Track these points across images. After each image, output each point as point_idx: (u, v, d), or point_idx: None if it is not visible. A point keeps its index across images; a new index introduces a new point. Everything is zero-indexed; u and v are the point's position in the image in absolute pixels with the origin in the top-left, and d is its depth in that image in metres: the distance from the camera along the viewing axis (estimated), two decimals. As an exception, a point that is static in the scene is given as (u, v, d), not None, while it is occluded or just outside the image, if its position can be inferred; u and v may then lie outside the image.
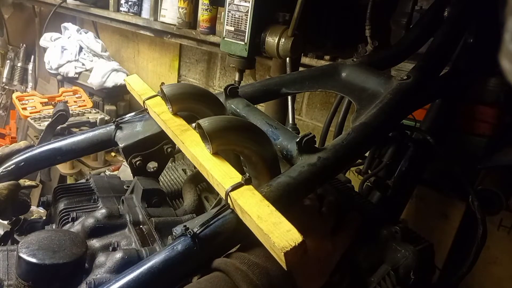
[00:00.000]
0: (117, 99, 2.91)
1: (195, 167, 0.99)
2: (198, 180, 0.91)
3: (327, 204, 0.71)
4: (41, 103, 2.55)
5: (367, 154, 1.05)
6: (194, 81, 2.83)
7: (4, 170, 0.77)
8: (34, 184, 0.84)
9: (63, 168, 2.57)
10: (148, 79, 3.12)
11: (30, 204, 0.89)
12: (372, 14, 1.03)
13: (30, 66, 3.80)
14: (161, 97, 0.78)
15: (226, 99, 0.84)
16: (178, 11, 2.28)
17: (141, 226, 0.73)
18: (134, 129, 0.83)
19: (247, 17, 1.04)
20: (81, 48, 2.95)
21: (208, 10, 2.16)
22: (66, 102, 2.51)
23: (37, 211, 1.35)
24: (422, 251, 0.68)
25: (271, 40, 1.04)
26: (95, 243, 0.68)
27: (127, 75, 2.52)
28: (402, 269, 0.66)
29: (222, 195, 0.57)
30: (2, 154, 0.78)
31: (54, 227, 0.77)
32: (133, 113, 0.86)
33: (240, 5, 1.05)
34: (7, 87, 3.78)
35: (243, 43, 1.06)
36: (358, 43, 1.12)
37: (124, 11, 2.67)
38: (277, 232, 0.49)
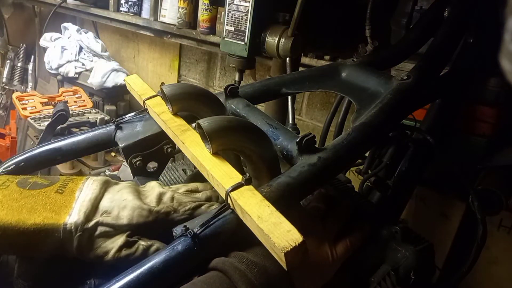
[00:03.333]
0: (117, 99, 2.91)
1: (195, 167, 0.99)
2: (198, 180, 0.91)
3: (335, 211, 0.70)
4: (41, 103, 2.55)
5: (367, 154, 1.05)
6: (194, 81, 2.83)
7: (4, 170, 0.77)
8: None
9: (63, 168, 2.57)
10: (148, 79, 3.12)
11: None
12: (372, 14, 1.03)
13: (30, 66, 3.80)
14: (161, 97, 0.78)
15: (226, 99, 0.84)
16: (178, 11, 2.28)
17: (141, 226, 0.72)
18: (134, 129, 0.83)
19: (247, 17, 1.04)
20: (81, 48, 2.95)
21: (208, 10, 2.16)
22: (66, 102, 2.52)
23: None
24: (422, 251, 0.68)
25: (271, 40, 1.04)
26: (95, 243, 0.68)
27: (127, 75, 2.52)
28: (402, 269, 0.66)
29: (222, 195, 0.57)
30: None
31: (54, 227, 0.77)
32: (133, 113, 0.86)
33: (240, 5, 1.05)
34: (7, 87, 3.78)
35: (243, 43, 1.06)
36: (358, 43, 1.12)
37: (124, 11, 2.67)
38: (278, 232, 0.49)
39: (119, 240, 0.57)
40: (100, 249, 0.57)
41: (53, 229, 0.54)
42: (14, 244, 0.55)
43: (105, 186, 0.62)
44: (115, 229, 0.58)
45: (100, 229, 0.57)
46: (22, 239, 0.54)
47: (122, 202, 0.59)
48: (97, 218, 0.57)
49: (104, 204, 0.59)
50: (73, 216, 0.56)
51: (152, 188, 0.66)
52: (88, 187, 0.61)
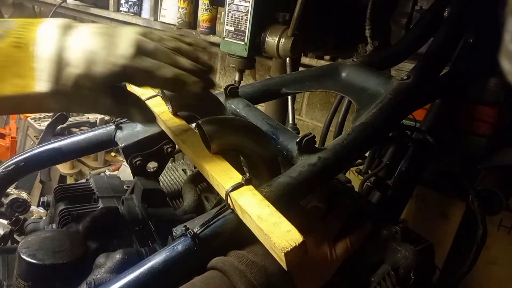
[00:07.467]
0: (117, 99, 2.90)
1: (195, 167, 0.99)
2: (198, 180, 0.91)
3: (336, 210, 0.70)
4: (41, 103, 2.55)
5: (367, 154, 1.05)
6: (194, 81, 2.83)
7: (4, 170, 0.77)
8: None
9: (63, 168, 2.57)
10: (148, 79, 3.11)
11: (30, 204, 0.89)
12: (372, 14, 1.03)
13: (30, 66, 3.80)
14: (161, 97, 0.78)
15: (226, 99, 0.84)
16: (178, 11, 2.28)
17: (141, 226, 0.73)
18: (134, 129, 0.83)
19: (247, 17, 1.04)
20: (81, 48, 2.94)
21: (208, 10, 2.16)
22: (66, 102, 2.51)
23: (37, 211, 1.35)
24: (422, 251, 0.68)
25: (271, 40, 1.04)
26: (95, 243, 0.68)
27: (127, 75, 2.51)
28: (402, 269, 0.66)
29: (222, 195, 0.57)
30: None
31: (54, 227, 0.77)
32: (133, 113, 0.85)
33: (240, 5, 1.05)
34: (7, 87, 3.78)
35: (243, 43, 1.06)
36: (358, 43, 1.12)
37: (124, 11, 2.67)
38: (278, 233, 0.49)
39: (105, 100, 0.53)
40: (84, 107, 0.54)
41: (28, 97, 0.51)
42: None
43: (65, 31, 0.53)
44: (92, 89, 0.52)
45: (79, 91, 0.52)
46: (1, 106, 0.52)
47: (90, 55, 0.51)
48: (67, 77, 0.51)
49: (69, 55, 0.51)
50: (41, 82, 0.50)
51: (127, 34, 0.55)
52: (45, 37, 0.52)
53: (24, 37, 0.51)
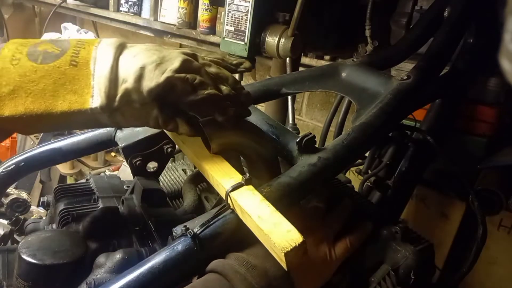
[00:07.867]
0: (117, 99, 2.90)
1: (195, 167, 0.99)
2: (198, 180, 0.91)
3: (336, 210, 0.70)
4: (41, 103, 2.54)
5: (367, 154, 1.05)
6: (194, 81, 2.83)
7: (4, 170, 0.77)
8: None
9: (63, 168, 2.57)
10: (148, 79, 3.11)
11: (30, 204, 0.89)
12: (372, 14, 1.03)
13: (30, 66, 3.79)
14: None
15: (226, 99, 0.84)
16: (178, 11, 2.28)
17: (141, 226, 0.73)
18: (134, 129, 0.83)
19: (247, 17, 1.04)
20: (81, 48, 2.94)
21: (208, 10, 2.16)
22: (66, 102, 2.51)
23: (37, 211, 1.35)
24: (422, 251, 0.68)
25: (271, 40, 1.04)
26: (95, 243, 0.68)
27: (127, 75, 2.51)
28: (402, 269, 0.66)
29: (222, 195, 0.57)
30: None
31: (54, 227, 0.77)
32: (133, 113, 0.85)
33: (240, 5, 1.05)
34: (7, 87, 3.78)
35: (243, 43, 1.06)
36: (358, 43, 1.12)
37: (124, 11, 2.67)
38: (278, 232, 0.49)
39: (155, 113, 0.57)
40: (134, 121, 0.58)
41: (80, 112, 0.54)
42: (44, 127, 0.57)
43: (120, 50, 0.57)
44: (142, 103, 0.55)
45: (130, 106, 0.55)
46: (52, 122, 0.54)
47: (140, 70, 0.55)
48: (120, 93, 0.54)
49: (122, 72, 0.55)
50: (96, 98, 0.54)
51: (174, 51, 0.59)
52: (102, 56, 0.55)
53: (80, 56, 0.55)
